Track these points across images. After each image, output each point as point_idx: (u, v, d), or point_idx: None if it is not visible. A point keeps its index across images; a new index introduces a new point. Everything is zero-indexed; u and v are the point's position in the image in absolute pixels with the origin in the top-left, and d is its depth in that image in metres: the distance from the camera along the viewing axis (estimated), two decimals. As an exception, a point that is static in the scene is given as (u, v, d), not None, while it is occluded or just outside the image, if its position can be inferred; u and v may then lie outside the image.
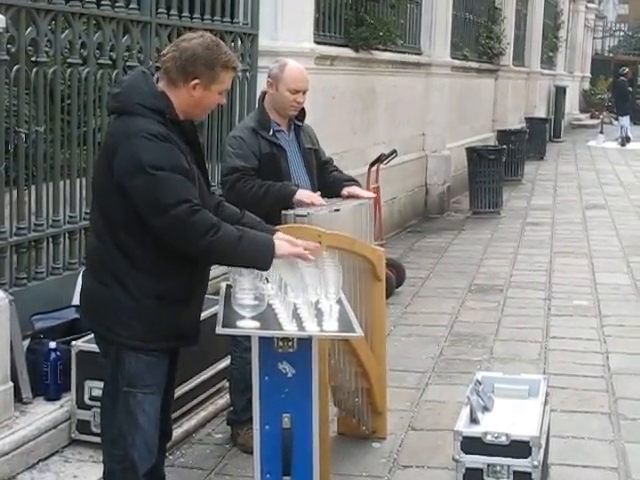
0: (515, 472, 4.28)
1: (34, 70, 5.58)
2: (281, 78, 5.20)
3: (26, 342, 5.24)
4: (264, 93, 5.35)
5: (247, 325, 3.72)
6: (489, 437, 4.33)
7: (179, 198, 3.52)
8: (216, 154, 7.54)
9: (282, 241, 3.82)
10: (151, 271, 3.64)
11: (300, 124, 5.39)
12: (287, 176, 5.24)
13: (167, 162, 3.54)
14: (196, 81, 3.65)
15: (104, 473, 3.91)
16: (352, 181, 5.47)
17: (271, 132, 5.24)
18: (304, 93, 5.26)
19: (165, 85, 3.70)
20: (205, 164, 3.92)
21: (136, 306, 3.64)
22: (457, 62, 14.94)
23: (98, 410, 4.92)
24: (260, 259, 3.71)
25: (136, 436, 3.73)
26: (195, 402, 5.62)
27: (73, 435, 5.10)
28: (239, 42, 7.95)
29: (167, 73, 3.70)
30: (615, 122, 29.76)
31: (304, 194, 5.10)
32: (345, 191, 5.34)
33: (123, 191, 3.54)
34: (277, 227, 4.16)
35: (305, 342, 3.78)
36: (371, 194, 5.39)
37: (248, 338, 4.17)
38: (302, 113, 5.39)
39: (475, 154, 14.01)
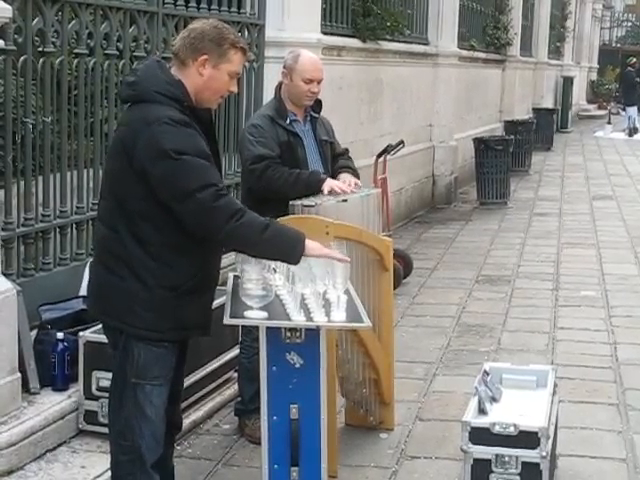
0: (523, 463, 4.28)
1: (41, 60, 5.57)
2: (295, 68, 5.20)
3: (34, 333, 5.24)
4: (280, 83, 5.34)
5: (255, 315, 3.72)
6: (497, 428, 4.32)
7: (204, 182, 3.51)
8: (224, 144, 7.52)
9: (313, 242, 3.77)
10: (167, 261, 3.61)
11: (316, 116, 5.39)
12: (304, 164, 5.24)
13: (191, 147, 3.53)
14: (204, 57, 3.64)
15: (111, 464, 3.90)
16: (347, 168, 5.43)
17: (288, 121, 5.24)
18: (319, 83, 5.25)
19: (176, 69, 3.70)
20: (219, 153, 3.91)
21: (150, 296, 3.62)
22: (464, 52, 14.89)
23: (106, 401, 4.93)
24: (288, 251, 3.68)
25: (143, 427, 3.73)
26: (203, 393, 5.62)
27: (81, 426, 5.10)
28: (246, 32, 7.92)
29: (177, 55, 3.71)
30: (622, 113, 29.70)
31: (335, 183, 5.10)
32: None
33: (144, 179, 3.52)
34: (285, 217, 4.16)
35: (313, 333, 3.78)
36: (356, 183, 5.31)
37: (258, 328, 4.17)
38: (318, 104, 5.39)
39: (482, 145, 13.99)
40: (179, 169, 3.49)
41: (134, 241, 3.60)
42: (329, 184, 5.07)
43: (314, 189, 5.05)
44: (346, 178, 5.28)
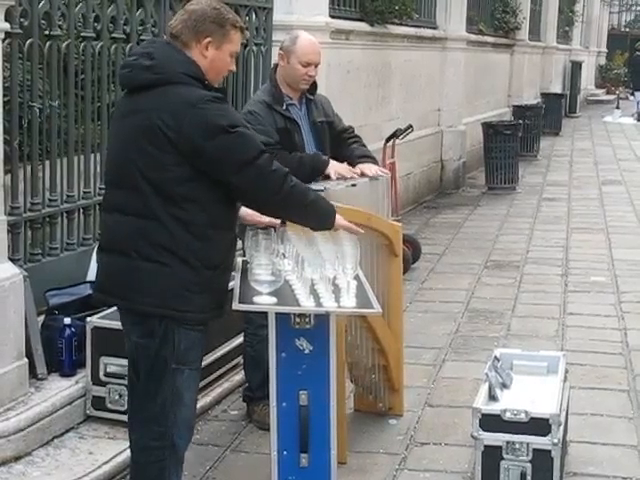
0: (535, 450, 4.25)
1: (47, 44, 5.53)
2: (293, 50, 5.13)
3: (41, 318, 5.23)
4: (276, 66, 5.28)
5: (264, 301, 3.68)
6: (508, 414, 4.29)
7: (260, 148, 3.66)
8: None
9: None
10: (211, 240, 3.62)
11: (311, 97, 5.32)
12: (301, 150, 5.17)
13: (238, 120, 3.71)
14: (208, 39, 3.66)
15: (135, 449, 3.81)
16: (367, 157, 5.35)
17: (284, 106, 5.17)
18: (316, 66, 5.18)
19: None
20: None
21: (196, 278, 3.60)
22: (473, 37, 14.82)
23: (113, 387, 4.95)
24: (327, 216, 3.87)
25: (178, 413, 3.69)
26: (211, 378, 5.59)
27: (88, 411, 5.08)
28: (254, 16, 7.87)
29: (178, 37, 3.69)
30: (631, 97, 29.58)
31: (340, 167, 5.04)
32: (357, 169, 5.26)
33: (191, 160, 3.53)
34: None
35: (322, 318, 3.75)
36: (380, 172, 5.26)
37: (261, 315, 4.14)
38: (313, 86, 5.30)
39: (491, 129, 13.94)
40: (236, 141, 3.58)
41: (177, 224, 3.57)
42: (334, 168, 5.02)
43: (319, 172, 4.99)
44: (368, 168, 5.20)
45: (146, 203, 3.59)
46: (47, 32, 5.52)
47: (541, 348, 5.82)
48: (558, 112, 22.19)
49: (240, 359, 5.78)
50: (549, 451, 4.26)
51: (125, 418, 3.98)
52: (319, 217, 3.86)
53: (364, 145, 5.50)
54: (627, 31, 41.06)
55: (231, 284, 3.99)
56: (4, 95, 4.83)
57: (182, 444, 3.77)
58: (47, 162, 5.68)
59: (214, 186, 3.60)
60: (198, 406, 5.28)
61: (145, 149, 3.58)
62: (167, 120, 3.53)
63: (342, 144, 5.37)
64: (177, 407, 3.69)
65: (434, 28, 13.27)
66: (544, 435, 4.26)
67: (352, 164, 5.28)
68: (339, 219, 3.92)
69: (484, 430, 4.33)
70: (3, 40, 4.81)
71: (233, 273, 4.08)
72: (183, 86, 3.58)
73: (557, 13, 24.02)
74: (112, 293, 3.77)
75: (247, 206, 3.90)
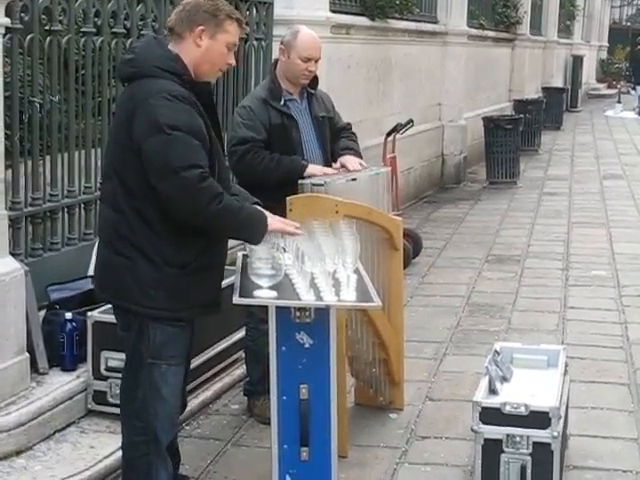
0: (535, 443, 4.25)
1: (48, 39, 5.54)
2: (293, 45, 5.13)
3: (42, 313, 5.24)
4: (276, 61, 5.28)
5: (264, 295, 3.69)
6: (508, 408, 4.29)
7: (191, 162, 3.49)
8: (231, 123, 7.48)
9: (270, 216, 3.83)
10: (172, 239, 3.60)
11: (312, 92, 5.31)
12: (298, 147, 5.15)
13: (185, 124, 3.52)
14: (201, 28, 3.65)
15: (124, 444, 3.88)
16: (348, 149, 5.32)
17: (282, 102, 5.15)
18: (316, 61, 5.17)
19: (173, 44, 3.70)
20: (220, 128, 3.88)
21: (160, 276, 3.60)
22: (474, 31, 14.80)
23: (114, 381, 4.94)
24: (256, 233, 3.70)
25: (159, 408, 3.72)
26: (211, 373, 5.61)
27: (89, 406, 5.09)
28: (254, 11, 7.88)
29: (173, 29, 3.71)
30: (632, 91, 29.57)
31: (316, 169, 5.04)
32: (337, 162, 5.25)
33: (141, 158, 3.50)
34: (294, 196, 4.14)
35: (322, 312, 3.75)
36: (360, 164, 5.27)
37: (262, 309, 4.14)
38: (315, 80, 5.29)
39: (492, 124, 13.92)
40: (168, 144, 3.47)
41: (139, 221, 3.58)
42: (311, 170, 5.00)
43: (295, 175, 4.96)
44: (349, 161, 5.21)
45: (115, 195, 3.64)
46: (47, 27, 5.53)
47: (541, 342, 5.84)
48: (559, 106, 22.17)
49: (241, 353, 5.79)
50: (549, 444, 4.25)
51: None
52: (246, 234, 3.74)
53: (354, 140, 5.48)
54: (628, 25, 41.03)
55: (231, 279, 4.01)
56: (5, 90, 4.84)
57: (165, 438, 3.79)
58: (48, 157, 5.69)
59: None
60: (199, 400, 5.35)
61: (117, 140, 3.64)
62: (128, 113, 3.56)
63: (336, 141, 5.37)
64: (156, 402, 3.71)
65: (435, 23, 13.26)
66: (544, 428, 4.25)
67: (335, 158, 5.28)
68: (273, 224, 3.77)
69: (484, 423, 4.33)
70: (4, 35, 4.81)
71: (233, 268, 4.09)
72: (155, 79, 3.57)
73: (558, 7, 23.99)
74: (99, 285, 3.87)
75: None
